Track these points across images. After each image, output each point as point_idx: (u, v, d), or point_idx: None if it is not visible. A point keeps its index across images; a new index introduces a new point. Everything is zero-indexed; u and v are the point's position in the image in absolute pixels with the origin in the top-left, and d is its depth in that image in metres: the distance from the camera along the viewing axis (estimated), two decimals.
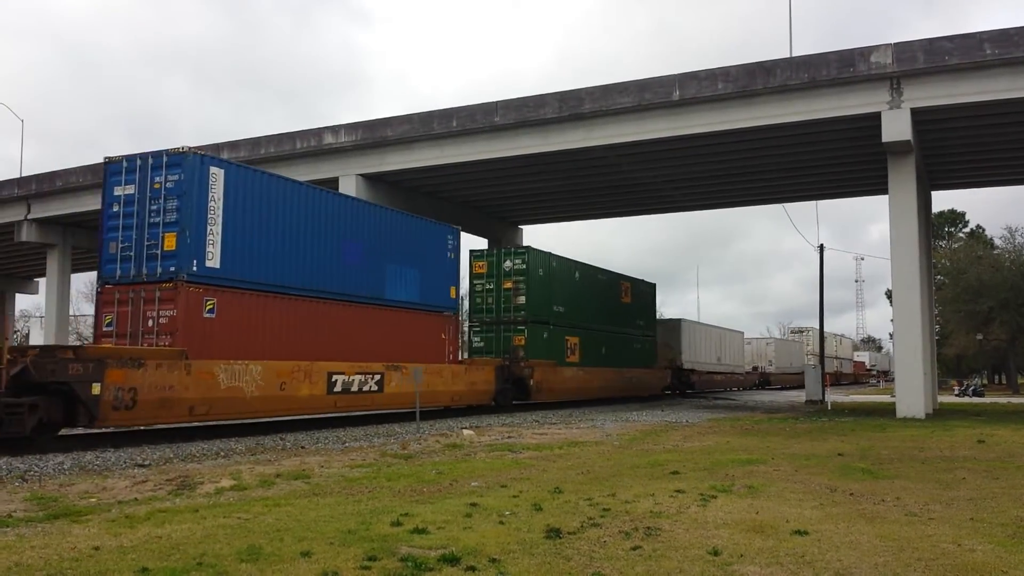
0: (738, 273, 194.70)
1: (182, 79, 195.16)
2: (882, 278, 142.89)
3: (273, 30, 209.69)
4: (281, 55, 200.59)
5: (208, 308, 18.01)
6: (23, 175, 42.38)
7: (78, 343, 14.37)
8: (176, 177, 17.83)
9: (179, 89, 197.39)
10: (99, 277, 18.72)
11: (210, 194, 18.12)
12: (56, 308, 44.19)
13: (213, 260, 18.17)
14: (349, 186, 33.52)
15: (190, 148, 18.02)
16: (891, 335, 58.74)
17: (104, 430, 16.92)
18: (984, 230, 74.38)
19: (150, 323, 17.63)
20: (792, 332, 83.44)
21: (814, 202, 44.97)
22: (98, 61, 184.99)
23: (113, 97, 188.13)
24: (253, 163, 34.87)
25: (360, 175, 33.51)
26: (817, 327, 71.90)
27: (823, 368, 43.24)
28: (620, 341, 39.66)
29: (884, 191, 28.23)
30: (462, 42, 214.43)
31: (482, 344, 32.30)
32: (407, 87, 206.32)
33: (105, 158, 18.87)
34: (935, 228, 60.98)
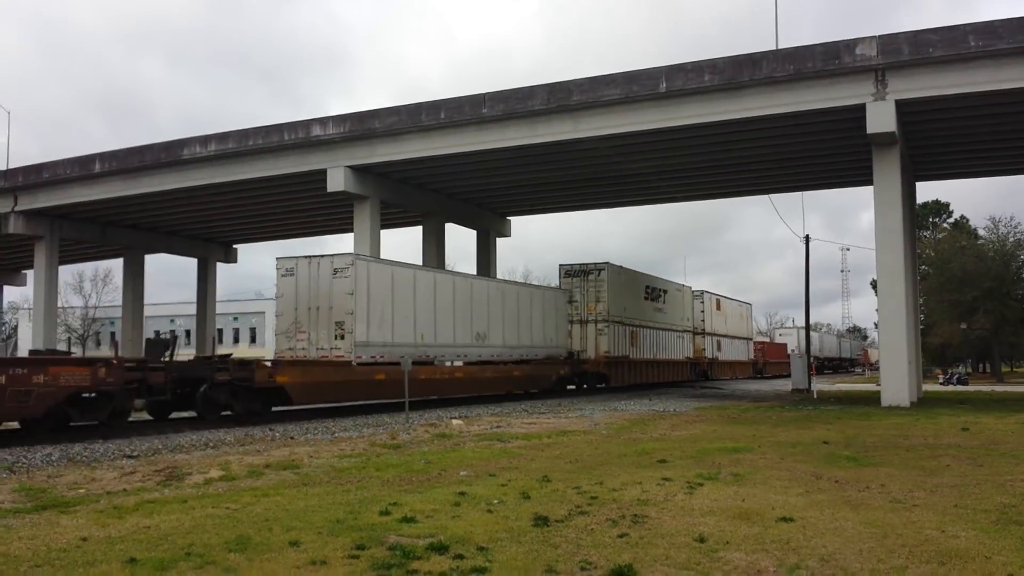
0: (729, 262, 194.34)
1: (158, 58, 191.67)
2: (869, 268, 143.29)
3: (251, 4, 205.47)
4: (260, 31, 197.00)
5: None
6: (9, 167, 42.05)
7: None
8: None
9: (156, 68, 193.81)
10: None
11: None
12: (44, 300, 43.94)
13: None
14: (337, 178, 33.44)
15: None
16: (876, 324, 56.02)
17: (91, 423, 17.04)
18: (968, 220, 74.99)
19: None
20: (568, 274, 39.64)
21: (801, 193, 45.15)
22: (69, 39, 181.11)
23: (87, 78, 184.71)
24: (241, 155, 34.86)
25: (348, 167, 33.42)
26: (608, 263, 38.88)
27: (809, 357, 43.46)
28: None
29: (869, 182, 28.33)
30: (449, 16, 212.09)
31: None
32: (393, 64, 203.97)
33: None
34: (920, 219, 61.40)
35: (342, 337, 23.58)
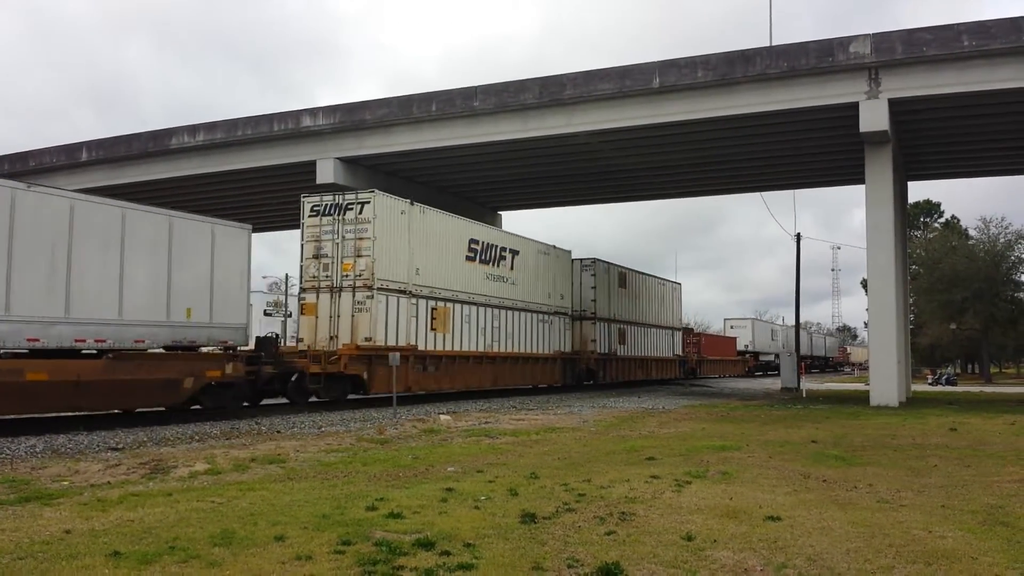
0: (721, 260, 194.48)
1: (146, 45, 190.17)
2: (860, 266, 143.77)
3: None
4: (251, 19, 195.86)
5: None
6: None
7: None
8: None
9: (144, 56, 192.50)
10: None
11: None
12: None
13: None
14: (327, 170, 33.30)
15: None
16: (866, 324, 54.28)
17: (77, 413, 16.89)
18: (959, 221, 75.22)
19: None
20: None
21: (793, 190, 45.20)
22: (58, 27, 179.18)
23: (75, 66, 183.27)
24: (229, 145, 34.68)
25: (338, 158, 33.30)
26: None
27: (798, 354, 43.55)
28: None
29: (861, 181, 28.40)
30: (444, 4, 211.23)
31: None
32: (385, 53, 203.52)
33: None
34: (911, 218, 61.55)
35: None
